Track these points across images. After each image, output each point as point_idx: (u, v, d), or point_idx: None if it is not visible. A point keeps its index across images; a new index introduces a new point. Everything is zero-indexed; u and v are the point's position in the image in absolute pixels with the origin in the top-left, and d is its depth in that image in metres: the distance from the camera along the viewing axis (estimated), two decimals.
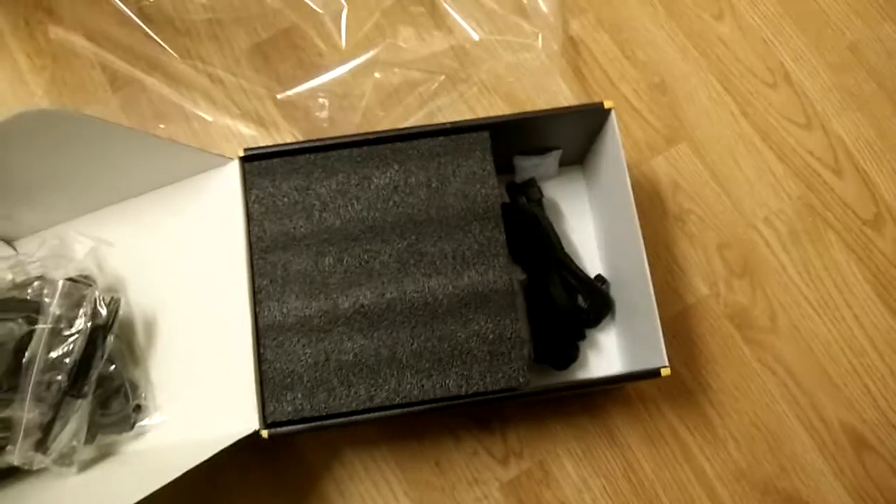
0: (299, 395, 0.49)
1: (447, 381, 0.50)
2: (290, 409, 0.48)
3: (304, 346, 0.50)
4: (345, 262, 0.51)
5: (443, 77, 0.71)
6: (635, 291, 0.55)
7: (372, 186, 0.53)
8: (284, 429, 0.49)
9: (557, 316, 0.60)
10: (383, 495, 0.61)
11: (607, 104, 0.56)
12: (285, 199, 0.52)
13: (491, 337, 0.51)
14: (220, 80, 0.72)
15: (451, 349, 0.50)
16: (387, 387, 0.49)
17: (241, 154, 0.53)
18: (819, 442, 0.63)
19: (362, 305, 0.50)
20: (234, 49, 0.73)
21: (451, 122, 0.55)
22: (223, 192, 0.54)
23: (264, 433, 0.48)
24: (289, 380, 0.49)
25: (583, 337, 0.62)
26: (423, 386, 0.50)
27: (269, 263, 0.51)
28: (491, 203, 0.53)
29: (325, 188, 0.53)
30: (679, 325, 0.65)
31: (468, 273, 0.52)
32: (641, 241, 0.52)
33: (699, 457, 0.62)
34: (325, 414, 0.49)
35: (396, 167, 0.53)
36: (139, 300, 0.55)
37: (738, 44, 0.73)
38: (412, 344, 0.50)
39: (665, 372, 0.50)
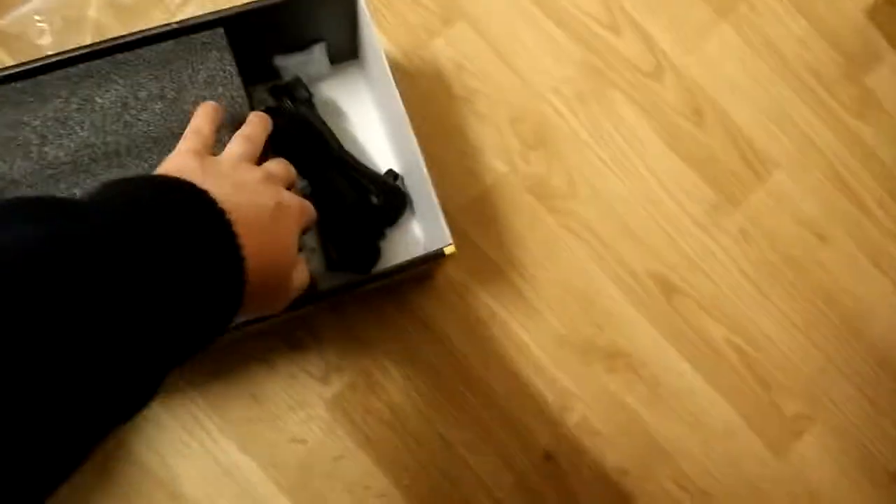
0: None
1: None
2: None
3: None
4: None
5: None
6: (419, 180, 0.52)
7: (97, 108, 0.46)
8: None
9: (349, 217, 0.56)
10: (199, 439, 0.57)
11: None
12: None
13: None
14: None
15: None
16: None
17: None
18: (630, 294, 0.64)
19: None
20: None
21: (177, 22, 0.49)
22: None
23: None
24: None
25: (382, 236, 0.59)
26: None
27: None
28: (239, 105, 0.48)
29: (40, 119, 0.46)
30: (482, 206, 0.64)
31: None
32: (409, 126, 0.50)
33: (519, 332, 0.62)
34: None
35: (122, 82, 0.47)
36: None
37: None
38: None
39: (449, 251, 0.48)
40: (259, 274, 0.32)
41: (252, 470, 0.57)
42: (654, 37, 0.69)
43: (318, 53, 0.59)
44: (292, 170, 0.44)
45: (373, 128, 0.63)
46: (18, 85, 0.46)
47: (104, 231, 0.26)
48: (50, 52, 0.56)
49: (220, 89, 0.48)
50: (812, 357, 0.66)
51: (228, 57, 0.49)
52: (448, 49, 0.67)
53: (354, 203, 0.56)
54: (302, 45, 0.58)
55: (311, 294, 0.47)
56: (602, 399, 0.62)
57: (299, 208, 0.40)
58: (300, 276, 0.40)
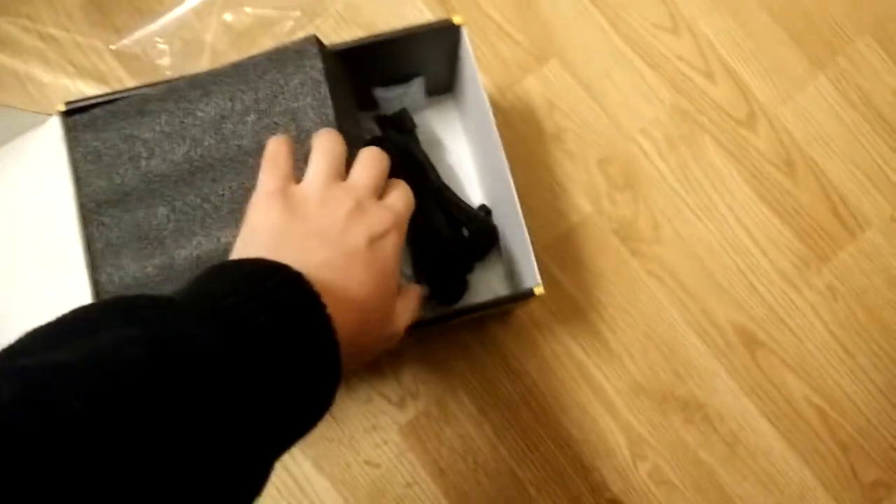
0: None
1: None
2: None
3: None
4: (178, 209, 0.46)
5: (298, 13, 0.67)
6: (511, 216, 0.53)
7: (197, 121, 0.47)
8: None
9: (442, 250, 0.58)
10: None
11: (456, 20, 0.53)
12: (110, 151, 0.48)
13: None
14: (54, 38, 0.67)
15: None
16: None
17: (62, 109, 0.48)
18: (712, 345, 0.63)
19: (198, 256, 0.45)
20: (66, 4, 0.68)
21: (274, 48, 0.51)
22: (45, 152, 0.49)
23: None
24: None
25: (470, 270, 0.61)
26: None
27: (102, 225, 0.47)
28: (324, 116, 0.45)
29: (149, 132, 0.47)
30: (567, 245, 0.64)
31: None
32: (506, 165, 0.51)
33: (596, 375, 0.62)
34: None
35: (220, 95, 0.47)
36: None
37: None
38: None
39: (538, 290, 0.49)
40: (355, 336, 0.32)
41: (325, 488, 0.59)
42: (748, 84, 0.69)
43: (417, 87, 0.61)
44: (384, 162, 0.41)
45: (462, 161, 0.64)
46: (132, 100, 0.48)
47: (201, 339, 0.26)
48: (169, 73, 0.60)
49: (309, 99, 0.46)
50: (895, 423, 0.64)
51: (318, 65, 0.46)
52: (540, 86, 0.68)
53: (449, 237, 0.58)
54: (402, 78, 0.60)
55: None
56: (676, 450, 0.61)
57: (394, 222, 0.38)
58: (406, 310, 0.39)
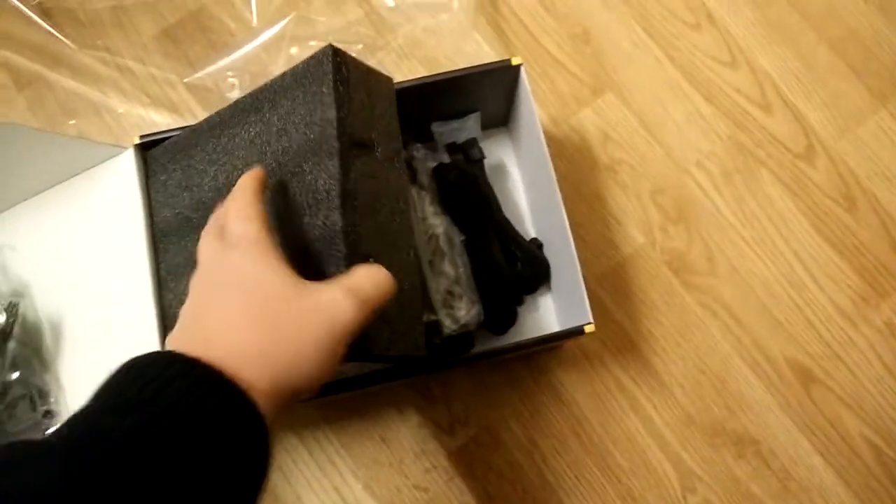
0: None
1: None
2: None
3: None
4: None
5: (360, 46, 0.71)
6: (562, 251, 0.55)
7: (235, 145, 0.47)
8: None
9: (497, 282, 0.59)
10: (331, 477, 0.62)
11: (515, 61, 0.56)
12: (171, 182, 0.51)
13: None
14: (130, 70, 0.71)
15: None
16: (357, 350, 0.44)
17: (137, 142, 0.52)
18: (765, 379, 0.64)
19: None
20: (142, 36, 0.72)
21: None
22: (120, 182, 0.53)
23: None
24: None
25: (521, 302, 0.62)
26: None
27: (167, 252, 0.51)
28: (328, 121, 0.42)
29: (201, 162, 0.50)
30: (619, 277, 0.66)
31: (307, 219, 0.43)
32: (560, 201, 0.53)
33: (647, 406, 0.63)
34: None
35: (254, 115, 0.47)
36: (45, 303, 0.54)
37: None
38: None
39: (589, 329, 0.50)
40: (279, 395, 0.31)
41: None
42: (806, 117, 0.70)
43: (473, 122, 0.63)
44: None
45: (515, 194, 0.66)
46: (193, 131, 0.51)
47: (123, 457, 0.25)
48: None
49: (318, 107, 0.43)
50: None
51: (329, 77, 0.43)
52: (595, 118, 0.70)
53: (505, 270, 0.59)
54: (459, 113, 0.62)
55: (453, 357, 0.50)
56: (727, 485, 0.62)
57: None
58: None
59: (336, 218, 0.40)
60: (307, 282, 0.34)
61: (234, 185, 0.39)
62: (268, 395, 0.29)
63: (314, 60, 0.44)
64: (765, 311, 0.65)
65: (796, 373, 0.64)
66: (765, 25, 0.72)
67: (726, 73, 0.71)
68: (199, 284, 0.35)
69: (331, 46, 0.44)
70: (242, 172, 0.41)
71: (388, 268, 0.36)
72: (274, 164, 0.45)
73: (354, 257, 0.40)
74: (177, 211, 0.51)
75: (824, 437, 0.63)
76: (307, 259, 0.41)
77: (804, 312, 0.65)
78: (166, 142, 0.52)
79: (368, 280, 0.35)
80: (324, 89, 0.43)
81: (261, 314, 0.31)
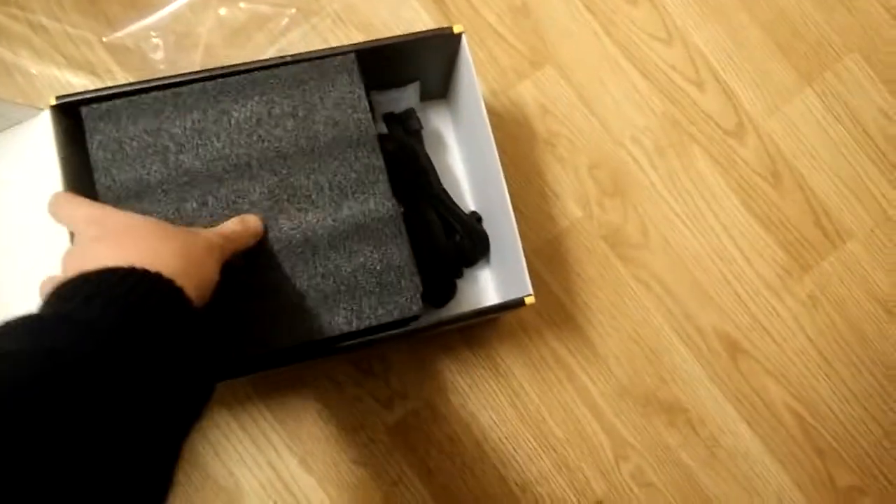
0: None
1: (336, 319, 0.48)
2: None
3: None
4: (210, 205, 0.48)
5: (293, 10, 0.68)
6: (501, 224, 0.55)
7: (232, 121, 0.49)
8: None
9: (435, 255, 0.59)
10: (265, 453, 0.60)
11: (457, 29, 0.55)
12: (134, 144, 0.48)
13: (378, 268, 0.49)
14: (43, 27, 0.67)
15: (336, 285, 0.48)
16: (273, 332, 0.46)
17: (53, 103, 0.49)
18: (695, 350, 0.66)
19: None
20: None
21: (301, 53, 0.52)
22: (34, 145, 0.50)
23: None
24: None
25: (460, 275, 0.62)
26: (309, 327, 0.47)
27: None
28: (365, 128, 0.51)
29: (178, 128, 0.49)
30: (556, 249, 0.66)
31: (347, 203, 0.50)
32: (501, 174, 0.53)
33: (582, 377, 0.64)
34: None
35: (257, 98, 0.50)
36: None
37: None
38: (294, 284, 0.48)
39: (529, 301, 0.51)
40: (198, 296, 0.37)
41: (311, 487, 0.60)
42: (737, 95, 0.72)
43: (412, 91, 0.62)
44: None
45: (455, 166, 0.66)
46: (160, 95, 0.49)
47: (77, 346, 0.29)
48: (162, 67, 0.61)
49: (350, 111, 0.51)
50: (870, 430, 0.67)
51: (358, 81, 0.51)
52: (535, 91, 0.70)
53: (444, 243, 0.59)
54: (398, 82, 0.61)
55: (393, 333, 0.50)
56: (658, 453, 0.64)
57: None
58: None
59: (389, 196, 0.50)
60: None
61: (237, 161, 0.49)
62: (192, 295, 0.36)
63: (335, 64, 0.51)
64: (695, 284, 0.67)
65: (724, 344, 0.66)
66: (700, 4, 0.74)
67: (662, 49, 0.72)
68: (99, 233, 0.39)
69: (354, 55, 0.52)
70: (251, 149, 0.49)
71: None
72: (283, 147, 0.50)
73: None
74: (138, 176, 0.47)
75: (750, 406, 0.66)
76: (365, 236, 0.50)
77: (732, 286, 0.68)
78: (120, 100, 0.48)
79: (233, 224, 0.45)
80: (354, 92, 0.51)
81: (167, 240, 0.38)
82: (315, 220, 0.49)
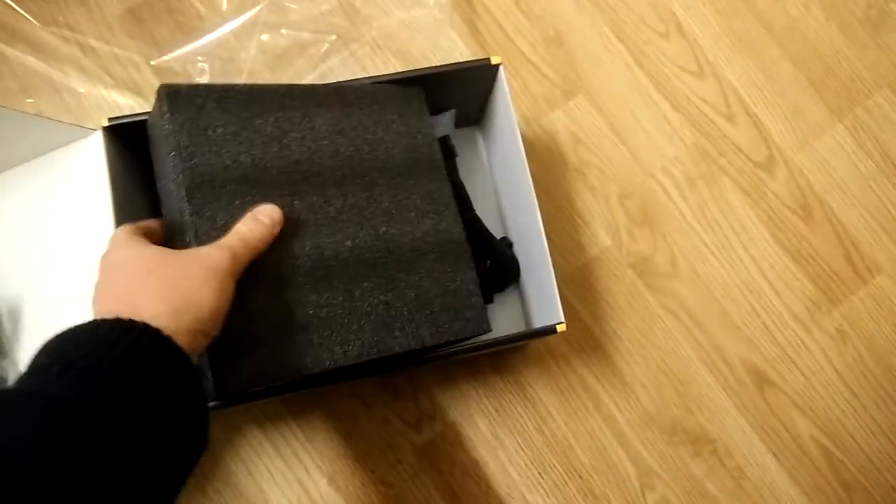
0: (261, 358, 0.42)
1: (421, 332, 0.49)
2: (249, 374, 0.41)
3: (262, 300, 0.43)
4: (296, 206, 0.46)
5: (333, 37, 0.71)
6: (533, 250, 0.56)
7: (316, 126, 0.49)
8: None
9: None
10: (295, 471, 0.62)
11: (494, 60, 0.56)
12: (220, 131, 0.45)
13: (452, 286, 0.52)
14: (92, 49, 0.69)
15: (416, 299, 0.50)
16: (358, 342, 0.46)
17: (105, 124, 0.51)
18: (722, 381, 0.66)
19: (322, 255, 0.46)
20: (106, 15, 0.71)
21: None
22: (86, 165, 0.52)
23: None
24: (243, 341, 0.41)
25: (491, 300, 0.63)
26: (396, 338, 0.48)
27: (205, 203, 0.44)
28: (434, 152, 0.55)
29: (264, 123, 0.47)
30: (584, 277, 0.67)
31: (424, 222, 0.52)
32: (535, 201, 0.54)
33: (609, 405, 0.65)
34: (299, 377, 0.43)
35: (339, 107, 0.51)
36: (3, 289, 0.52)
37: None
38: (379, 294, 0.48)
39: (561, 328, 0.52)
40: (192, 332, 0.36)
41: None
42: (768, 129, 0.73)
43: (448, 119, 0.64)
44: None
45: (486, 192, 0.67)
46: (244, 89, 0.47)
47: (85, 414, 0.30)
48: None
49: (419, 136, 0.55)
50: None
51: (425, 110, 0.56)
52: (566, 120, 0.71)
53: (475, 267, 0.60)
54: (434, 110, 0.63)
55: (419, 357, 0.51)
56: (684, 482, 0.64)
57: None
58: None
59: (459, 219, 0.55)
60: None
61: (305, 162, 0.48)
62: (185, 336, 0.35)
63: (403, 90, 0.55)
64: (724, 314, 0.68)
65: (752, 375, 0.67)
66: (731, 38, 0.75)
67: (693, 82, 0.73)
68: (104, 274, 0.40)
69: (421, 88, 0.56)
70: (321, 156, 0.49)
71: None
72: (352, 158, 0.51)
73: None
74: (227, 163, 0.45)
75: (777, 437, 0.66)
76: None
77: (761, 317, 0.68)
78: (208, 97, 0.45)
79: (245, 224, 0.43)
80: (422, 119, 0.56)
81: (154, 278, 0.37)
82: (398, 234, 0.51)
